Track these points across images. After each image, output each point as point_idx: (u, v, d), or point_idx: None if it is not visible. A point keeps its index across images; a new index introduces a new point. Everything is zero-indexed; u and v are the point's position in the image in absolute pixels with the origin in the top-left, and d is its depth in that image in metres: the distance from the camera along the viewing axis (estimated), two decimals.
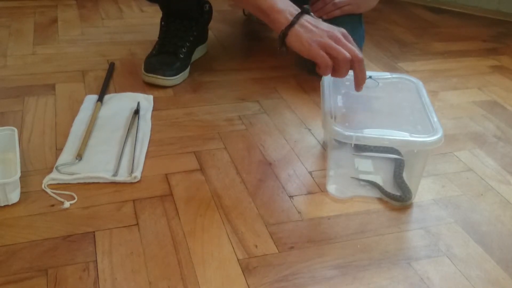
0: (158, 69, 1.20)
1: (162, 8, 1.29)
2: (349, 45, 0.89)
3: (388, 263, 0.75)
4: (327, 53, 0.88)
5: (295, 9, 0.93)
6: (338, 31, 0.90)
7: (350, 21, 1.23)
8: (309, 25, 0.91)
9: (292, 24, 0.91)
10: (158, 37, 1.28)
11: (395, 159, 0.91)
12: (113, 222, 0.79)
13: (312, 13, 0.95)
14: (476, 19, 1.79)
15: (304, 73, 1.29)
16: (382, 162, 0.94)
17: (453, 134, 1.08)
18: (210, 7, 1.34)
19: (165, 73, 1.19)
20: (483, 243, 0.80)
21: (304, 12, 0.93)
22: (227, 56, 1.40)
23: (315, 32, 0.90)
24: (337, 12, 1.21)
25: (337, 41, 0.89)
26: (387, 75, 0.99)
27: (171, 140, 1.01)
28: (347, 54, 0.87)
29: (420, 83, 0.96)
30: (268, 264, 0.73)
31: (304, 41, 0.89)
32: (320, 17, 1.21)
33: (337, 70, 0.89)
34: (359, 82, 0.90)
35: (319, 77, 0.95)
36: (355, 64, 0.88)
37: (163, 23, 1.29)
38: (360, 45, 1.24)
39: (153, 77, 1.20)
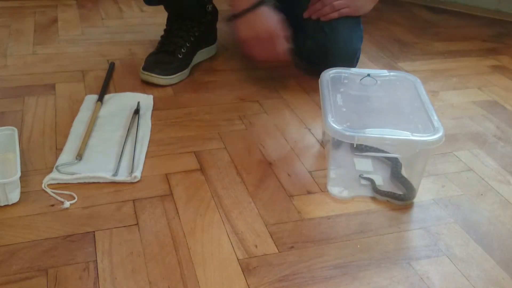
0: (154, 67, 1.20)
1: (165, 8, 1.31)
2: None
3: (388, 263, 0.75)
4: None
5: None
6: None
7: (348, 22, 1.22)
8: None
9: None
10: (161, 36, 1.29)
11: (392, 158, 0.91)
12: (113, 222, 0.79)
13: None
14: (476, 19, 1.79)
15: (303, 73, 1.29)
16: (382, 162, 0.94)
17: (453, 134, 1.08)
18: (214, 8, 1.33)
19: (160, 72, 1.20)
20: (483, 243, 0.80)
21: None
22: (227, 56, 1.40)
23: None
24: (335, 15, 1.20)
25: None
26: (384, 72, 0.99)
27: (171, 140, 1.01)
28: None
29: (418, 81, 0.95)
30: (268, 264, 0.73)
31: None
32: (317, 18, 1.22)
33: None
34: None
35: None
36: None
37: (167, 22, 1.30)
38: (358, 46, 1.24)
39: (148, 75, 1.20)
